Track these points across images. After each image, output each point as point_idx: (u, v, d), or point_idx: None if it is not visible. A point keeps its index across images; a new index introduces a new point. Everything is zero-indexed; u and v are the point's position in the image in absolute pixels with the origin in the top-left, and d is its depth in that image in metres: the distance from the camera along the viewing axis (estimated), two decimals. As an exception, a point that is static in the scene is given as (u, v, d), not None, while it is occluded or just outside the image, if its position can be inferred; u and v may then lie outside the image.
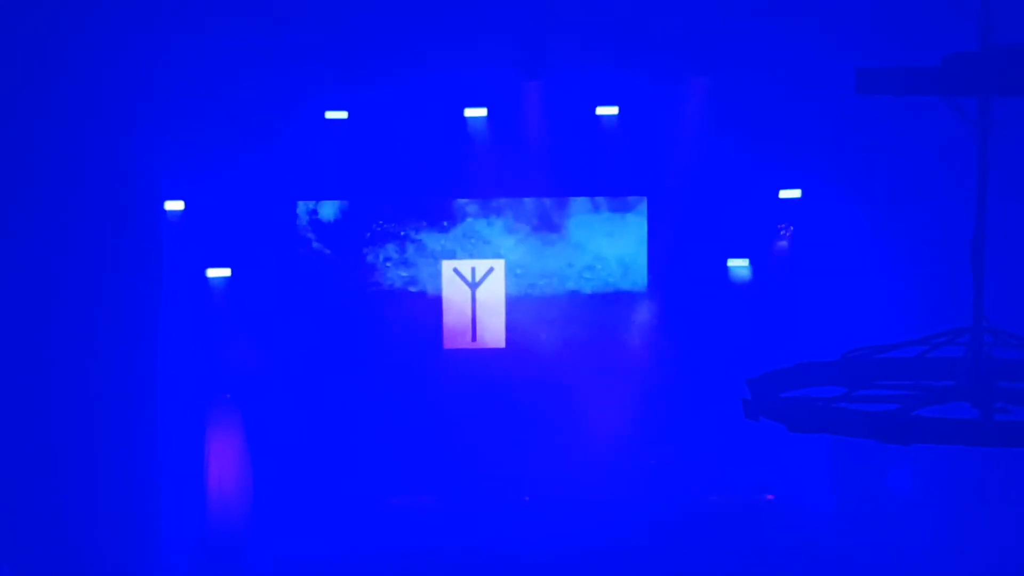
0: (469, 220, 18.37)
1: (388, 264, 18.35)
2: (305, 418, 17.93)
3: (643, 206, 18.20)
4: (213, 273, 18.00)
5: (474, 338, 18.39)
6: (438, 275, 18.36)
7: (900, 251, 16.98)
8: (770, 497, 17.69)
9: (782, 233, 17.95)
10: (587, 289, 18.35)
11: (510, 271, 18.32)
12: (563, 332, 18.24)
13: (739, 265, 18.19)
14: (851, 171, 17.28)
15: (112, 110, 15.42)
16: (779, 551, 17.09)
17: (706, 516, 17.39)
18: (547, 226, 18.33)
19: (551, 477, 17.78)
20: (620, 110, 18.03)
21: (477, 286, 18.38)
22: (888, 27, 15.69)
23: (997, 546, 16.36)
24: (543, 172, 18.19)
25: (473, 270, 18.39)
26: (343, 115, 17.91)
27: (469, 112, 18.01)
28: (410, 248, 18.36)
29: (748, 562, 17.00)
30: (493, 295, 18.39)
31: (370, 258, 18.33)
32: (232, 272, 18.02)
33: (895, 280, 16.91)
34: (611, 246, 18.34)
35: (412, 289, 18.36)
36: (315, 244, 18.23)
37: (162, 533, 16.62)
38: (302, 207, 18.16)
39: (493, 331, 18.42)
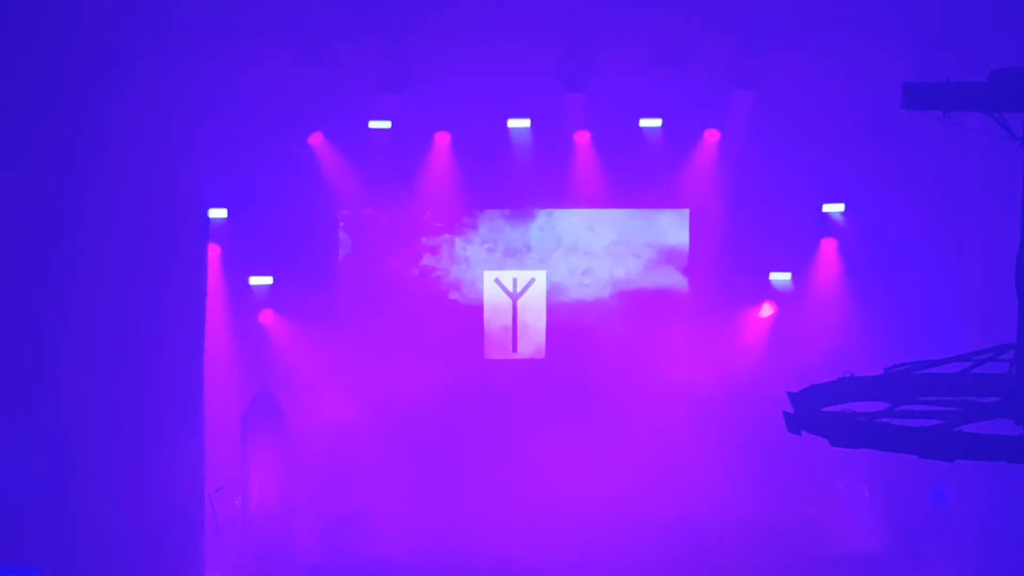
0: (511, 230, 18.43)
1: (430, 274, 18.41)
2: (346, 426, 17.97)
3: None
4: (256, 281, 18.10)
5: (515, 348, 18.42)
6: (480, 285, 18.40)
7: (944, 267, 16.95)
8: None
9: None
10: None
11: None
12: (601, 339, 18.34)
13: (781, 278, 18.18)
14: (896, 186, 17.28)
15: (157, 119, 15.52)
16: (820, 566, 17.07)
17: (746, 529, 17.36)
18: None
19: (591, 489, 17.77)
20: (663, 123, 18.05)
21: (519, 296, 18.41)
22: (935, 42, 15.65)
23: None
24: (586, 183, 18.22)
25: (515, 280, 18.42)
26: (387, 125, 18.00)
27: (512, 123, 18.06)
28: (452, 258, 18.41)
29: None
30: (534, 305, 18.42)
31: (412, 268, 18.40)
32: (275, 280, 18.11)
33: (939, 296, 16.88)
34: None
35: (453, 298, 18.41)
36: (354, 252, 18.33)
37: (204, 534, 16.69)
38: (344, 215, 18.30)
39: (534, 341, 18.46)
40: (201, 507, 16.55)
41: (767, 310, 18.24)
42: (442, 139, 18.12)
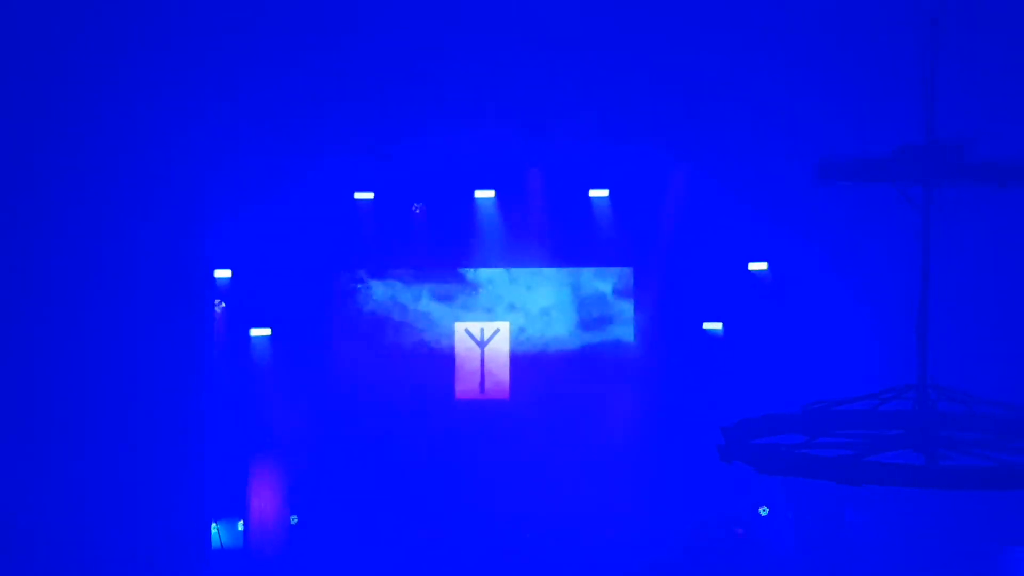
0: (479, 287, 18.41)
1: (409, 324, 18.37)
2: (336, 457, 17.90)
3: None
4: (256, 332, 18.05)
5: (482, 390, 18.38)
6: (451, 334, 18.38)
7: (854, 318, 17.00)
8: (740, 531, 17.63)
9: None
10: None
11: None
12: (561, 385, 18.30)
13: (714, 327, 18.23)
14: (812, 247, 17.35)
15: (172, 193, 15.55)
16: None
17: (687, 545, 17.31)
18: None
19: (549, 512, 17.72)
20: (610, 192, 18.11)
21: (485, 344, 18.39)
22: (846, 122, 15.76)
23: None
24: (543, 246, 18.27)
25: (482, 330, 18.40)
26: (370, 196, 18.03)
27: (479, 194, 18.11)
28: (427, 311, 18.39)
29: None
30: (499, 352, 18.40)
31: (393, 319, 18.37)
32: (272, 331, 18.06)
33: (849, 343, 16.91)
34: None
35: (429, 346, 18.36)
36: (343, 307, 18.32)
37: (206, 555, 16.57)
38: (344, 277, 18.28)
39: (499, 384, 18.43)
40: (206, 530, 16.42)
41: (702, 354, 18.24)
42: (418, 208, 18.11)
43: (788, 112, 16.34)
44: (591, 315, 18.40)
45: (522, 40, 16.11)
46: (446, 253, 18.25)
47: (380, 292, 18.39)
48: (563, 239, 18.22)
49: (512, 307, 18.39)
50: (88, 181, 15.28)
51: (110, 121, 15.22)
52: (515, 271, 18.34)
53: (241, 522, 17.60)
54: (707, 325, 18.23)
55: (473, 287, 18.40)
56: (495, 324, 18.35)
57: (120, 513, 15.48)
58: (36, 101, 15.05)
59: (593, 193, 18.12)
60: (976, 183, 9.09)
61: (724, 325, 18.22)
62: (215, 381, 16.89)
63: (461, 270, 18.32)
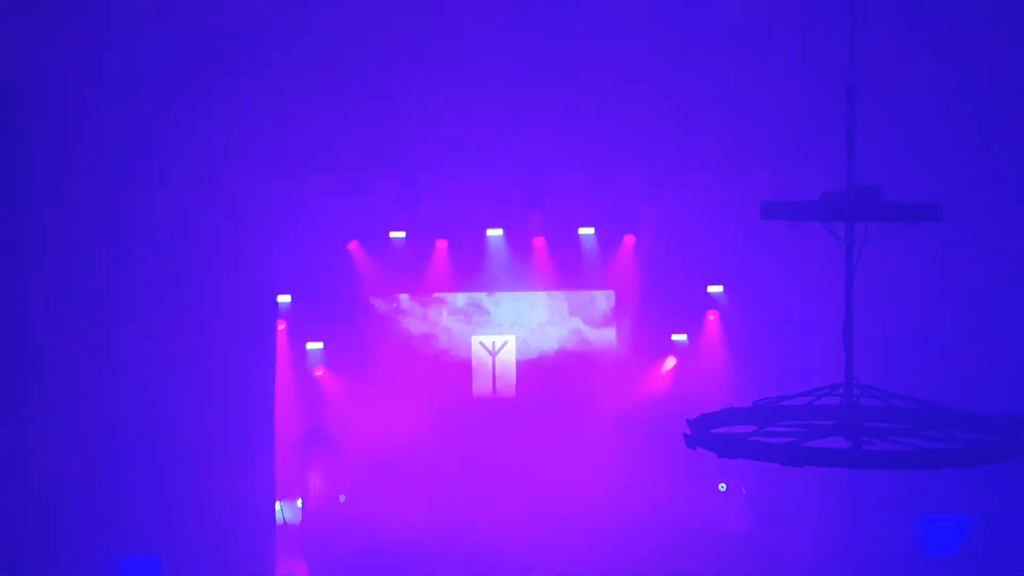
0: (491, 307, 18.43)
1: (434, 337, 18.41)
2: (376, 446, 17.86)
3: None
4: (311, 345, 18.11)
5: (494, 390, 18.41)
6: (469, 345, 18.43)
7: (792, 328, 17.02)
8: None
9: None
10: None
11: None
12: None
13: (680, 338, 18.24)
14: (759, 272, 17.38)
15: (246, 235, 15.69)
16: (710, 543, 16.97)
17: (658, 518, 17.25)
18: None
19: (550, 484, 17.69)
20: (596, 230, 18.17)
21: (496, 353, 18.43)
22: (784, 171, 15.80)
23: (861, 542, 16.32)
24: (542, 273, 18.34)
25: (493, 342, 18.44)
26: (402, 235, 18.11)
27: (490, 231, 18.18)
28: (449, 326, 18.42)
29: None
30: (507, 360, 18.42)
31: (421, 333, 18.38)
32: (324, 345, 18.12)
33: (790, 349, 16.90)
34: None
35: (450, 355, 18.42)
36: (381, 324, 18.33)
37: (275, 527, 16.60)
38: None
39: (507, 385, 18.44)
40: (272, 507, 16.43)
41: (671, 361, 18.27)
42: (441, 244, 18.20)
43: (736, 164, 16.44)
44: (580, 329, 18.41)
45: (525, 110, 16.37)
46: (464, 280, 18.31)
47: (411, 312, 18.45)
48: (557, 267, 18.29)
49: (517, 323, 18.44)
50: (189, 231, 15.51)
51: (203, 181, 15.39)
52: (519, 294, 18.41)
53: (300, 500, 17.65)
54: (675, 336, 18.26)
55: (486, 307, 18.45)
56: (504, 337, 18.41)
57: (201, 494, 15.48)
58: (129, 151, 15.19)
59: (582, 230, 18.19)
60: (891, 220, 9.16)
61: (688, 336, 18.22)
62: (279, 385, 16.89)
63: (476, 293, 18.37)
